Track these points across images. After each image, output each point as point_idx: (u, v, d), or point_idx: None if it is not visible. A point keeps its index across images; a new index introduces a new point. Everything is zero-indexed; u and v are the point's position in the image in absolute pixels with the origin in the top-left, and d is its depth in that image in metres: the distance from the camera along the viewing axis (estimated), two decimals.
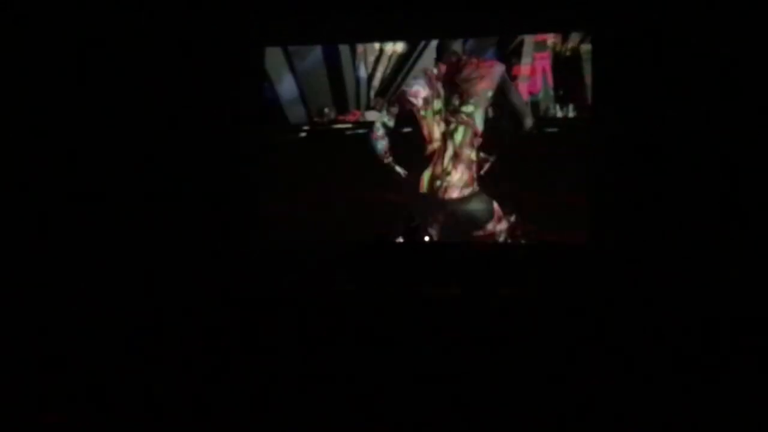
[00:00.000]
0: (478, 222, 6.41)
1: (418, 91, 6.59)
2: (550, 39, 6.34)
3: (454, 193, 6.48)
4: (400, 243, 6.11)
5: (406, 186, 6.57)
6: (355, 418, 3.33)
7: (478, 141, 6.42)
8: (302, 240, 6.53)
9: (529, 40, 6.38)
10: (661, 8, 5.79)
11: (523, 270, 5.89)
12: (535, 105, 6.35)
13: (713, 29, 5.64)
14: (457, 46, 6.50)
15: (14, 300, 5.03)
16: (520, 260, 6.10)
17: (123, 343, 4.31)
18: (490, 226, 6.38)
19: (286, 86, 6.82)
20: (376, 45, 6.66)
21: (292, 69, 6.81)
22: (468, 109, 6.44)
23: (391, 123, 6.62)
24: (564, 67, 6.32)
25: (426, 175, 6.54)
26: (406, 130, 6.61)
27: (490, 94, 6.39)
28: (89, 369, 3.90)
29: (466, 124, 6.46)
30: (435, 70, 6.54)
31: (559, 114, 6.31)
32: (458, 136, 6.48)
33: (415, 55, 6.59)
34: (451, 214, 6.47)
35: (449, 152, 6.51)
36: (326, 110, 6.75)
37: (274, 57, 6.83)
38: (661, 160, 5.84)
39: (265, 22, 6.69)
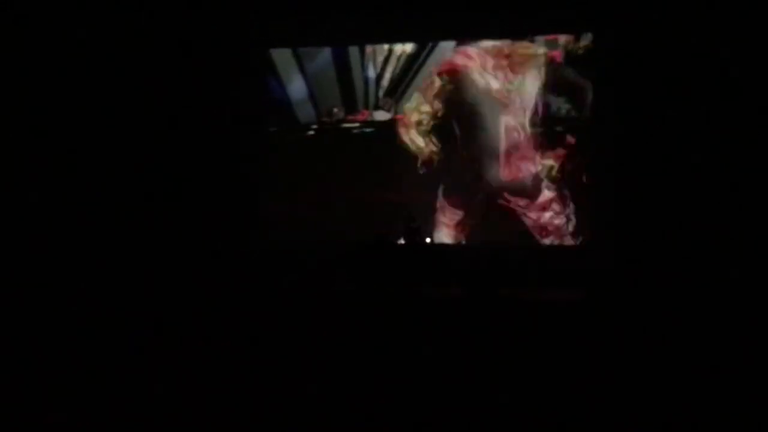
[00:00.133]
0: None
1: None
2: (562, 38, 6.33)
3: None
4: (400, 244, 6.10)
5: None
6: (355, 418, 3.33)
7: None
8: (302, 240, 6.53)
9: (539, 38, 6.38)
10: (661, 8, 5.79)
11: (523, 270, 5.89)
12: (546, 104, 6.36)
13: (713, 29, 5.64)
14: None
15: (14, 300, 5.03)
16: (520, 261, 6.09)
17: (123, 343, 4.31)
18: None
19: (296, 86, 6.84)
20: (385, 45, 6.67)
21: (302, 69, 6.83)
22: None
23: None
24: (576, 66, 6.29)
25: None
26: None
27: None
28: (89, 369, 3.90)
29: None
30: None
31: (572, 113, 6.30)
32: None
33: (424, 54, 6.60)
34: None
35: None
36: (335, 110, 6.77)
37: (283, 57, 6.84)
38: (661, 160, 5.84)
39: (265, 22, 6.69)
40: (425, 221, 6.34)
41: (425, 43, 6.59)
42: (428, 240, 6.39)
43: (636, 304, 4.87)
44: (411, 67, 6.63)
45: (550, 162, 6.35)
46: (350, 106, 6.74)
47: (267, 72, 6.83)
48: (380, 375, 3.83)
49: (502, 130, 6.43)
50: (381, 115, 6.69)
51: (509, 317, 4.59)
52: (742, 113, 5.57)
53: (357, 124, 6.72)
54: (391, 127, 6.67)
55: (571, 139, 6.31)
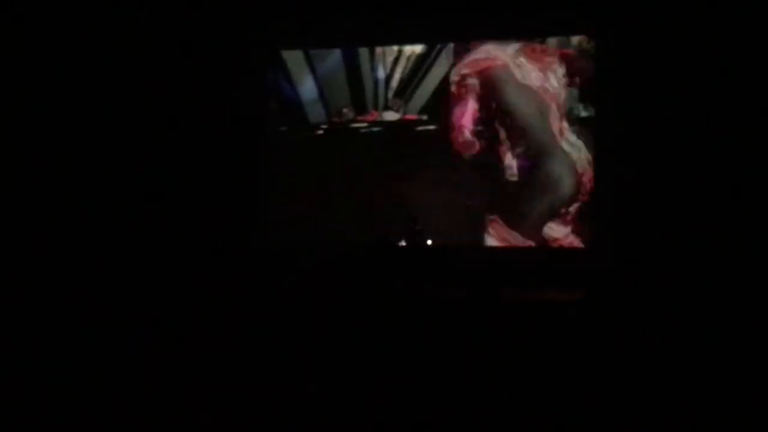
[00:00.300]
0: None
1: None
2: (575, 38, 6.34)
3: None
4: (402, 246, 6.10)
5: None
6: (356, 418, 3.33)
7: None
8: (302, 240, 6.53)
9: (552, 39, 6.40)
10: (661, 8, 5.79)
11: (523, 271, 5.89)
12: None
13: (713, 29, 5.65)
14: None
15: (14, 300, 5.03)
16: (521, 261, 6.10)
17: (124, 342, 4.30)
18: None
19: (307, 87, 6.89)
20: (395, 46, 6.70)
21: (313, 70, 6.87)
22: None
23: None
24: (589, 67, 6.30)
25: None
26: None
27: None
28: (90, 369, 3.89)
29: None
30: None
31: (583, 114, 6.30)
32: None
33: (433, 55, 6.62)
34: None
35: None
36: (345, 110, 6.80)
37: (295, 59, 6.88)
38: (661, 160, 5.84)
39: (265, 23, 6.69)
40: (426, 222, 6.33)
41: (433, 44, 6.61)
42: (429, 242, 6.38)
43: (636, 304, 4.87)
44: (420, 68, 6.66)
45: None
46: (360, 107, 6.78)
47: (279, 73, 6.88)
48: (381, 375, 3.83)
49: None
50: (390, 116, 6.72)
51: (510, 317, 4.59)
52: (742, 113, 5.58)
53: (365, 124, 6.74)
54: (398, 127, 6.69)
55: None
